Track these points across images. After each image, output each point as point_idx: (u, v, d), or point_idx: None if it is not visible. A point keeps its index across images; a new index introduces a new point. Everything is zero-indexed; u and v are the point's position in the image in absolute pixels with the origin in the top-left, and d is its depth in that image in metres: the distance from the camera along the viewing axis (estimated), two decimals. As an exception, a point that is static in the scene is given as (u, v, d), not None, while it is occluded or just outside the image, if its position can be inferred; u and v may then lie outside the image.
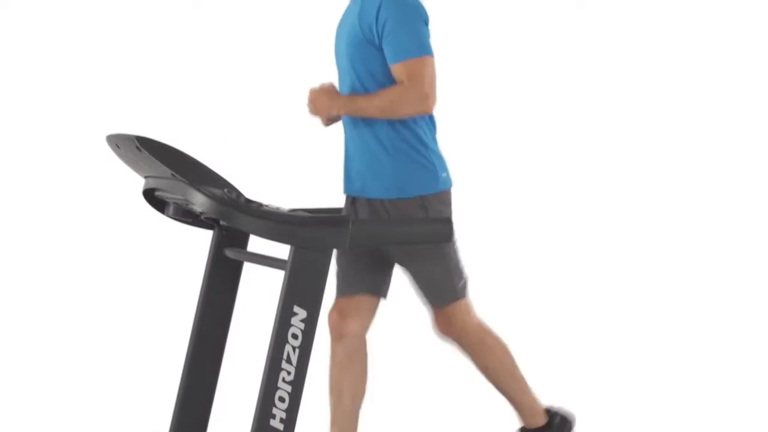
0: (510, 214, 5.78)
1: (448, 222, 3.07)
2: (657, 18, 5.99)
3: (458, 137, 3.48)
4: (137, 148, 2.90)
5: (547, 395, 3.48)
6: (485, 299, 3.47)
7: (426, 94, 3.06)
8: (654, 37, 6.00)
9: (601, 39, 6.00)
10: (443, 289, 3.24)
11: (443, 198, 3.19)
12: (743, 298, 5.56)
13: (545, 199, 5.94)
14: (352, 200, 3.25)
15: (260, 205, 2.93)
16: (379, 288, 3.29)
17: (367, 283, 3.27)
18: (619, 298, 5.57)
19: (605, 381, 4.65)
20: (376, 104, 3.07)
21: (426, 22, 3.12)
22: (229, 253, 3.17)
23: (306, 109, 3.20)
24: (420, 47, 3.06)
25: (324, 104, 3.14)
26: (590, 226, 5.90)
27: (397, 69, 3.07)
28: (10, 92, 5.88)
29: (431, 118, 3.20)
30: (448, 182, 3.22)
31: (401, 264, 3.26)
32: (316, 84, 3.19)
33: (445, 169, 3.21)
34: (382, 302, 3.33)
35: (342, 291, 3.29)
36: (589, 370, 4.79)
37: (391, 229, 3.08)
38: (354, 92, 3.16)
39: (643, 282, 5.70)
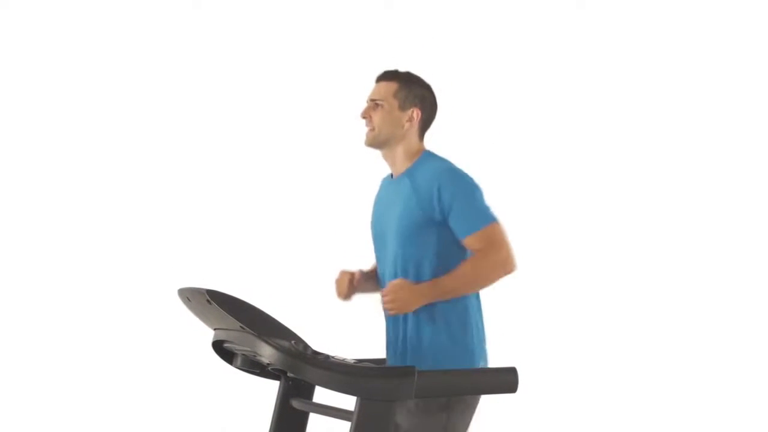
0: (508, 214, 5.69)
1: (513, 372, 3.07)
2: (657, 18, 5.96)
3: (458, 138, 3.48)
4: (207, 301, 2.96)
5: (548, 396, 3.39)
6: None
7: (507, 257, 3.10)
8: (654, 37, 5.97)
9: (601, 39, 5.97)
10: None
11: None
12: (745, 302, 5.56)
13: (544, 199, 5.91)
14: None
15: (327, 356, 2.97)
16: None
17: None
18: (618, 299, 5.58)
19: (605, 382, 4.60)
20: (462, 280, 3.10)
21: (481, 191, 3.18)
22: (296, 403, 3.20)
23: (388, 310, 3.12)
24: (488, 216, 3.13)
25: (407, 298, 3.09)
26: (590, 228, 5.89)
27: (471, 241, 3.11)
28: (10, 92, 5.89)
29: (479, 299, 3.22)
30: None
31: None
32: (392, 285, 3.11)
33: (483, 356, 3.19)
34: None
35: None
36: (590, 371, 4.75)
37: (457, 379, 3.08)
38: (404, 274, 3.16)
39: (643, 284, 5.71)
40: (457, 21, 5.96)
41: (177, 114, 5.93)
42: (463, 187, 3.14)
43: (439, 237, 3.14)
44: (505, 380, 3.07)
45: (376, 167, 3.42)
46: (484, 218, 3.12)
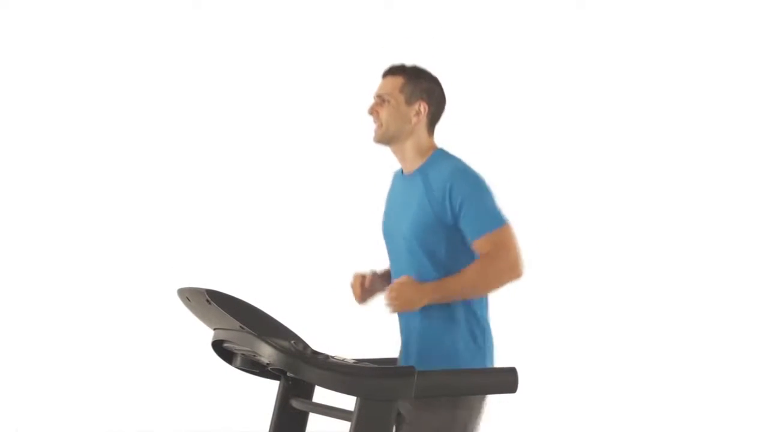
0: (510, 213, 5.70)
1: (513, 372, 3.07)
2: (657, 18, 5.97)
3: (458, 138, 3.49)
4: (207, 301, 2.96)
5: (548, 396, 3.40)
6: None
7: (515, 261, 3.06)
8: (654, 37, 5.97)
9: (601, 39, 5.98)
10: None
11: None
12: (744, 302, 5.61)
13: (543, 199, 5.92)
14: None
15: (327, 356, 2.96)
16: None
17: None
18: (618, 300, 5.62)
19: (605, 382, 4.63)
20: (468, 283, 3.06)
21: (493, 193, 3.14)
22: (295, 403, 3.19)
23: (391, 307, 3.09)
24: (499, 218, 3.09)
25: (412, 296, 3.06)
26: (590, 227, 5.91)
27: (480, 243, 3.07)
28: (10, 92, 5.89)
29: (486, 299, 3.19)
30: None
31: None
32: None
33: (492, 351, 3.17)
34: None
35: None
36: (590, 371, 4.78)
37: (456, 379, 3.08)
38: (419, 275, 3.13)
39: (643, 284, 5.78)
40: (458, 21, 5.97)
41: (177, 114, 5.94)
42: (475, 189, 3.10)
43: (448, 239, 3.11)
44: (505, 380, 3.06)
45: (379, 166, 3.41)
46: (495, 221, 3.08)
